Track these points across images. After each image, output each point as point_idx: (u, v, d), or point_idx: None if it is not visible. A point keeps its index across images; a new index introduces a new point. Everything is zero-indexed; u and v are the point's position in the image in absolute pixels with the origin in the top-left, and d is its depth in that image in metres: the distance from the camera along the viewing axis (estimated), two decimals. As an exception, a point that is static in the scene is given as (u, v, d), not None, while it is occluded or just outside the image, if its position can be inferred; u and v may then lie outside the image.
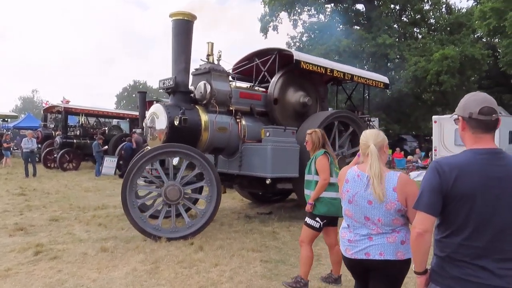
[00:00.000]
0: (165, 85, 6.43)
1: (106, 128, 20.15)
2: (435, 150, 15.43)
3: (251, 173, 6.67)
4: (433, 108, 26.05)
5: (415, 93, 23.09)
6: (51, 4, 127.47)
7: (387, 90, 16.62)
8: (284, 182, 7.07)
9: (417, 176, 14.09)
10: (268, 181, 6.53)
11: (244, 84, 8.46)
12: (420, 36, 25.42)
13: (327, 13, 25.79)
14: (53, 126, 20.16)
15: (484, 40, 25.87)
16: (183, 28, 6.40)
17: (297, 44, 26.02)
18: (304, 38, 26.02)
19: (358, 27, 25.47)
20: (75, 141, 17.26)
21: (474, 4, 29.41)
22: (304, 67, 7.34)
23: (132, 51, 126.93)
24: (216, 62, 6.97)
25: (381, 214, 2.28)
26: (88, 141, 17.26)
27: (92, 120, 21.57)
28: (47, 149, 17.62)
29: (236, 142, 6.89)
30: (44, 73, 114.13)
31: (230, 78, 7.39)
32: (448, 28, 23.85)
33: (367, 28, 23.96)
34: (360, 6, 26.29)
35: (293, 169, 6.75)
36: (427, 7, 24.50)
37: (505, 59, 22.87)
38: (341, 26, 25.28)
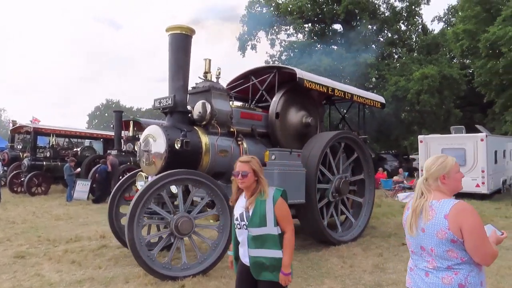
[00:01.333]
0: (161, 104, 5.91)
1: (79, 149, 19.14)
2: (422, 170, 15.38)
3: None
4: (410, 127, 26.59)
5: (395, 113, 23.47)
6: (20, 21, 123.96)
7: (366, 110, 16.78)
8: None
9: (406, 197, 13.83)
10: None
11: (239, 104, 8.07)
12: (396, 56, 26.10)
13: (305, 32, 26.07)
14: (20, 147, 18.98)
15: (455, 61, 26.88)
16: (181, 43, 5.97)
17: (277, 62, 26.09)
18: (283, 57, 26.13)
19: (336, 47, 25.84)
20: (44, 163, 16.21)
21: (445, 26, 30.78)
22: (307, 85, 7.04)
23: (105, 70, 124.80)
24: (215, 79, 6.56)
25: (433, 244, 2.10)
26: (59, 163, 16.25)
27: (64, 141, 20.49)
28: (14, 172, 16.52)
29: (237, 166, 6.41)
30: (11, 92, 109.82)
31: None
32: (425, 49, 24.58)
33: (345, 47, 24.33)
34: (337, 26, 26.79)
35: (300, 194, 6.36)
36: (403, 27, 25.23)
37: (480, 79, 23.75)
38: (319, 46, 25.60)
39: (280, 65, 7.87)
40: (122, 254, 6.36)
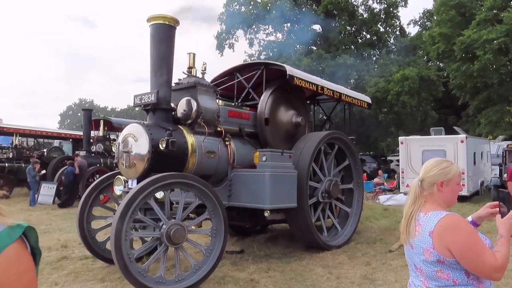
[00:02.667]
0: (142, 101, 5.44)
1: (45, 150, 18.14)
2: (402, 172, 15.33)
3: (245, 204, 5.82)
4: (387, 129, 26.92)
5: (375, 114, 23.68)
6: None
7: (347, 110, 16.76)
8: (275, 212, 6.29)
9: (387, 200, 13.80)
10: (267, 214, 5.72)
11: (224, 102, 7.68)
12: (374, 58, 26.37)
13: (284, 31, 25.95)
14: (-20, 148, 17.78)
15: (431, 64, 27.46)
16: (165, 34, 5.52)
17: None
18: (262, 56, 25.88)
19: (315, 48, 25.85)
20: (6, 164, 15.28)
21: (419, 30, 31.44)
22: (297, 83, 6.74)
23: (79, 70, 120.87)
24: (200, 75, 6.15)
25: (421, 263, 1.88)
26: (23, 165, 15.29)
27: (31, 141, 19.40)
28: (-27, 174, 15.40)
29: (225, 168, 6.03)
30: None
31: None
32: (404, 50, 24.94)
33: (325, 48, 24.35)
34: (316, 27, 26.80)
35: (291, 198, 6.03)
36: (382, 29, 25.53)
37: (455, 82, 24.31)
38: (298, 46, 25.52)
39: (268, 61, 7.52)
40: (84, 268, 5.73)
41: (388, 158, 27.09)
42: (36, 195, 13.31)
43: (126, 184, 5.36)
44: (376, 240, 7.61)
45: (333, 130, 7.48)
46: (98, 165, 14.15)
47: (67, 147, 19.86)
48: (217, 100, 6.30)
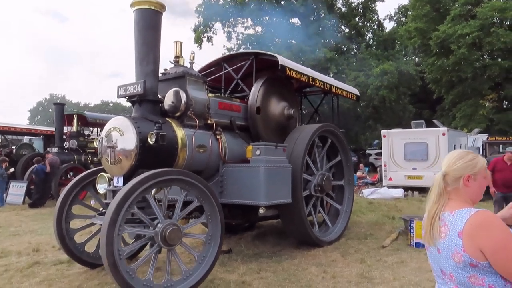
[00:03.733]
0: (127, 92, 5.03)
1: (14, 147, 17.19)
2: (385, 165, 15.35)
3: (238, 200, 5.51)
4: (366, 123, 27.14)
5: (354, 108, 23.78)
6: None
7: (325, 105, 16.71)
8: (268, 208, 6.01)
9: (371, 194, 13.78)
10: (262, 210, 5.44)
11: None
12: (352, 52, 26.48)
13: (264, 24, 25.66)
14: None
15: (407, 58, 27.86)
16: (150, 20, 5.12)
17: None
18: (241, 50, 25.49)
19: (294, 41, 25.70)
20: (-30, 163, 14.29)
21: (395, 25, 31.86)
22: (289, 74, 6.48)
23: (49, 64, 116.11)
24: (188, 65, 5.78)
25: (451, 268, 1.66)
26: (-11, 163, 14.40)
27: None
28: None
29: (216, 163, 5.71)
30: None
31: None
32: (382, 44, 25.14)
33: (304, 41, 24.23)
34: (295, 20, 26.63)
35: (286, 193, 5.77)
36: (360, 24, 25.64)
37: (431, 76, 24.75)
38: (277, 40, 25.28)
39: (258, 51, 7.22)
40: (58, 274, 5.24)
41: (367, 151, 27.38)
42: (4, 195, 12.56)
43: (111, 181, 4.95)
44: (367, 235, 7.48)
45: (325, 123, 7.25)
46: (71, 162, 13.48)
47: (38, 144, 18.92)
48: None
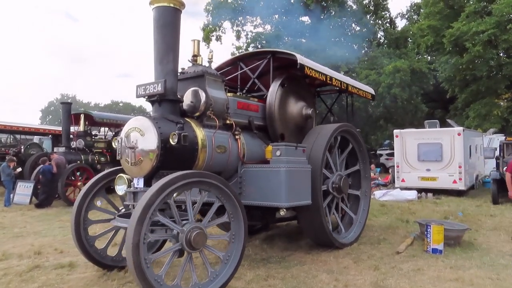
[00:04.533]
0: (147, 91, 5.02)
1: (22, 147, 17.31)
2: (398, 166, 15.11)
3: (258, 202, 5.48)
4: (377, 122, 26.99)
5: (365, 107, 23.69)
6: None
7: (336, 105, 16.60)
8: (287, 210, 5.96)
9: (383, 195, 13.53)
10: (283, 212, 5.42)
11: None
12: (363, 51, 26.35)
13: (273, 23, 25.63)
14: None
15: (420, 57, 27.65)
16: (170, 18, 5.10)
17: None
18: (250, 49, 25.50)
19: (304, 40, 25.64)
20: (-21, 163, 14.41)
21: (407, 23, 31.65)
22: (308, 73, 6.44)
23: (61, 64, 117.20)
24: (206, 64, 5.77)
25: None
26: (-1, 163, 14.53)
27: (9, 138, 18.50)
28: None
29: (235, 164, 5.69)
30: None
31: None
32: (394, 43, 24.98)
33: (314, 40, 24.16)
34: (305, 18, 26.57)
35: (306, 195, 5.74)
36: (372, 22, 25.51)
37: (444, 75, 24.53)
38: (286, 39, 25.23)
39: (276, 49, 7.19)
40: (58, 279, 5.12)
41: (378, 152, 27.21)
42: (11, 195, 12.62)
43: (131, 183, 4.95)
44: (380, 240, 7.32)
45: (343, 123, 7.20)
46: (78, 161, 13.49)
47: (47, 144, 19.06)
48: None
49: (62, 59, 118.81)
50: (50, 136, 18.59)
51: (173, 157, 4.71)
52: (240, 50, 25.69)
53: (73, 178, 12.90)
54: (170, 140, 4.58)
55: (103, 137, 17.55)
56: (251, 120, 6.12)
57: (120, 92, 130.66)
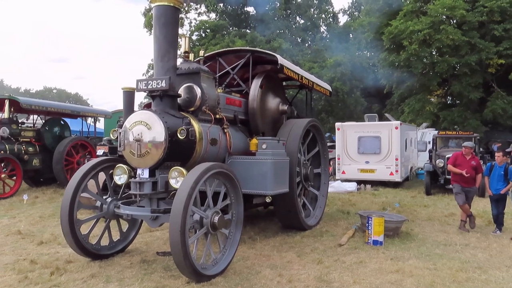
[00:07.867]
0: (149, 87, 5.65)
1: None
2: (338, 158, 16.17)
3: (246, 190, 6.40)
4: (319, 115, 28.99)
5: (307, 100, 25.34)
6: None
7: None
8: (259, 197, 6.93)
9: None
10: (268, 199, 6.43)
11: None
12: (306, 44, 28.06)
13: (218, 12, 26.25)
14: None
15: (360, 53, 30.09)
16: (171, 16, 5.76)
17: (185, 42, 25.69)
18: (194, 37, 25.90)
19: (249, 31, 26.65)
20: None
21: (348, 19, 34.07)
22: (286, 73, 7.47)
23: None
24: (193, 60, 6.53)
25: None
26: None
27: None
28: None
29: (223, 155, 6.56)
30: None
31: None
32: (336, 37, 26.95)
33: (259, 31, 25.28)
34: (250, 9, 27.58)
35: (285, 184, 6.81)
36: (315, 16, 27.24)
37: (383, 71, 27.06)
38: (231, 28, 26.04)
39: (256, 48, 8.11)
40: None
41: (318, 144, 29.20)
42: None
43: (130, 173, 5.60)
44: (323, 232, 7.62)
45: (311, 118, 8.38)
46: (2, 152, 12.75)
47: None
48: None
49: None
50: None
51: (177, 149, 5.44)
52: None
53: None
54: (178, 135, 5.31)
55: (32, 125, 16.85)
56: (236, 115, 7.01)
57: (54, 79, 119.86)
